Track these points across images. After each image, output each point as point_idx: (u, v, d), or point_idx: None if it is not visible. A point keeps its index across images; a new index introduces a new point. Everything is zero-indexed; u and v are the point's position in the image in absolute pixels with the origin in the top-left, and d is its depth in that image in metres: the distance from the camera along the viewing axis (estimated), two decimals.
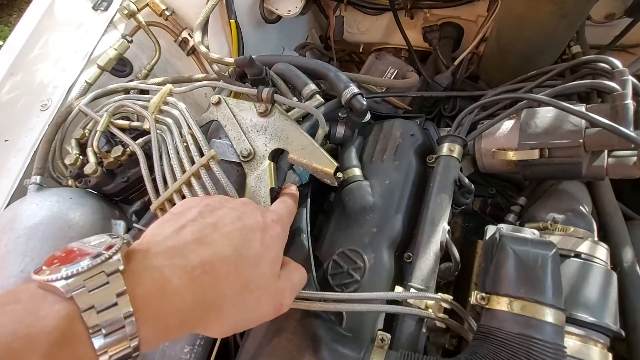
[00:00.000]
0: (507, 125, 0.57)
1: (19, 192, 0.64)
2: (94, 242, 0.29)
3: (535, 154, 0.52)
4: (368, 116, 0.61)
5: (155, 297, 0.28)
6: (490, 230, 0.50)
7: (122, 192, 0.63)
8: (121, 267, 0.27)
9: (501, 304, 0.38)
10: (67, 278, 0.25)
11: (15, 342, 0.22)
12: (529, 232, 0.48)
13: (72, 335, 0.24)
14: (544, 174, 0.55)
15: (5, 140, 0.68)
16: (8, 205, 0.62)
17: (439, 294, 0.45)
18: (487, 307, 0.39)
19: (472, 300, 0.40)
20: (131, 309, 0.26)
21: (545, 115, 0.54)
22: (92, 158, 0.59)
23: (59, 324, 0.23)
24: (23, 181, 0.64)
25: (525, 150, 0.53)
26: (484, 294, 0.39)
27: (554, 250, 0.39)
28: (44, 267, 0.26)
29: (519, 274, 0.38)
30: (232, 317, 0.33)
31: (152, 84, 0.69)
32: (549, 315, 0.36)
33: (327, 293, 0.44)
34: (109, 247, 0.28)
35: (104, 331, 0.25)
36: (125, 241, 0.29)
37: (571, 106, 0.48)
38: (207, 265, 0.31)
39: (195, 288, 0.30)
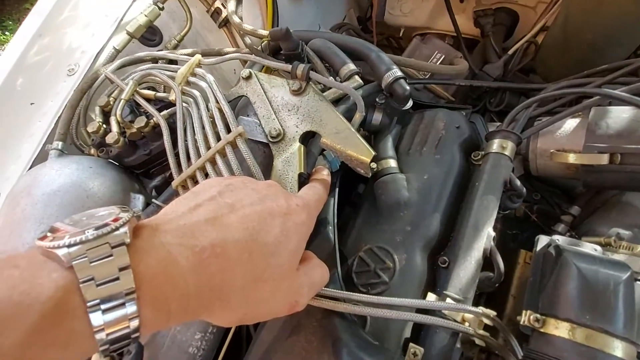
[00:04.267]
0: (571, 124, 0.51)
1: (42, 157, 0.63)
2: (103, 212, 0.27)
3: (603, 159, 0.45)
4: (410, 103, 0.56)
5: (159, 277, 0.25)
6: (542, 240, 0.45)
7: (144, 165, 0.60)
8: (127, 241, 0.24)
9: (560, 329, 0.32)
10: (69, 246, 0.23)
11: (5, 309, 0.20)
12: (590, 248, 0.42)
13: (67, 309, 0.22)
14: (610, 182, 0.48)
15: (31, 104, 0.67)
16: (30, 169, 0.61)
17: (480, 307, 0.40)
18: (541, 330, 0.34)
19: (524, 320, 0.35)
20: (133, 286, 0.23)
21: (620, 115, 0.47)
22: (114, 127, 0.57)
23: (54, 294, 0.21)
24: (46, 146, 0.62)
25: (591, 153, 0.46)
26: (538, 315, 0.34)
27: (629, 273, 0.34)
28: (48, 234, 0.24)
29: (584, 297, 0.32)
30: (240, 308, 0.30)
31: (182, 54, 0.66)
32: (619, 349, 0.31)
33: (354, 294, 0.40)
34: (117, 219, 0.25)
35: (102, 307, 0.22)
36: (135, 215, 0.27)
37: None
38: (218, 248, 0.28)
39: (202, 272, 0.27)
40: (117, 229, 0.24)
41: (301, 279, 0.34)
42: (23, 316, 0.20)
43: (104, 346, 0.23)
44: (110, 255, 0.23)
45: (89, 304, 0.22)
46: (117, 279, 0.23)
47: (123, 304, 0.23)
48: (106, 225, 0.24)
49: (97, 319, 0.22)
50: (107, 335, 0.23)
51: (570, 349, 0.31)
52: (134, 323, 0.24)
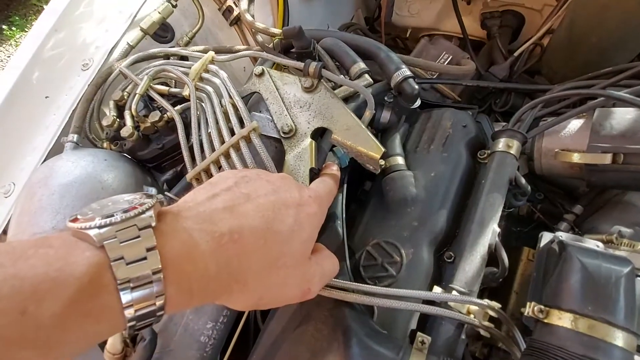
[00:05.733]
0: (575, 124, 0.52)
1: (56, 150, 0.64)
2: (128, 197, 0.29)
3: (606, 159, 0.46)
4: (418, 102, 0.57)
5: (182, 258, 0.27)
6: (546, 237, 0.46)
7: (156, 158, 0.61)
8: (153, 224, 0.26)
9: (563, 319, 0.34)
10: (100, 227, 0.24)
11: (43, 283, 0.21)
12: (592, 244, 0.43)
13: (100, 285, 0.23)
14: (613, 181, 0.49)
15: (46, 97, 0.68)
16: (45, 161, 0.62)
17: (485, 300, 0.41)
18: (544, 321, 0.35)
19: (528, 311, 0.36)
20: (160, 266, 0.25)
21: (623, 116, 0.48)
22: (129, 121, 0.58)
23: (88, 271, 0.23)
24: (60, 139, 0.64)
25: (595, 153, 0.47)
26: (542, 307, 0.35)
27: (630, 267, 0.35)
28: (79, 216, 0.26)
29: (587, 289, 0.34)
30: (256, 292, 0.32)
31: (193, 51, 0.67)
32: (619, 339, 0.32)
33: (364, 285, 0.41)
34: (142, 204, 0.27)
35: (131, 284, 0.24)
36: (158, 200, 0.28)
37: None
38: (236, 235, 0.29)
39: (221, 256, 0.28)
40: (143, 212, 0.26)
41: (313, 267, 0.36)
42: (60, 289, 0.22)
43: (132, 322, 0.24)
44: (138, 237, 0.25)
45: (119, 282, 0.23)
46: (145, 258, 0.24)
47: (150, 283, 0.24)
48: (133, 209, 0.26)
49: (126, 295, 0.24)
50: (136, 311, 0.24)
51: (573, 338, 0.32)
52: (160, 301, 0.25)
